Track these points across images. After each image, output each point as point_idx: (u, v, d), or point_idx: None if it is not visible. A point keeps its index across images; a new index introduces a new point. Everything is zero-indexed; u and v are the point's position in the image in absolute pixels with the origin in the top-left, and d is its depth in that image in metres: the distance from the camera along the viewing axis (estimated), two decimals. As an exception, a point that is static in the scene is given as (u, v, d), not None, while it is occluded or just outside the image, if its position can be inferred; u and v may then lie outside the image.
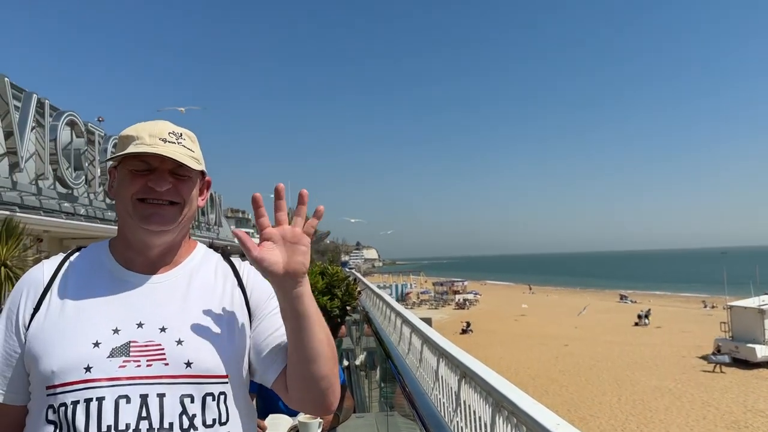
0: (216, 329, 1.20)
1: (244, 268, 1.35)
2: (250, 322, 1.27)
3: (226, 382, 1.18)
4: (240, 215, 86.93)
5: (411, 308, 57.70)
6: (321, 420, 2.78)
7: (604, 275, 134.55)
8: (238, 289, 1.30)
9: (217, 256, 1.37)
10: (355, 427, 3.22)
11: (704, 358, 27.68)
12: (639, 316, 42.11)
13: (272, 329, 1.26)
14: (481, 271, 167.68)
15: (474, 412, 3.55)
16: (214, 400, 1.15)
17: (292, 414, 2.83)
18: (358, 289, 4.85)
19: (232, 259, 1.38)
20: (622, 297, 66.48)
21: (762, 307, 26.62)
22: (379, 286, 23.48)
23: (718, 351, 25.86)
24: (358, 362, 7.33)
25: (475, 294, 66.50)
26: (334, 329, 4.21)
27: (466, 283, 75.47)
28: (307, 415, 2.78)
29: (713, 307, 51.39)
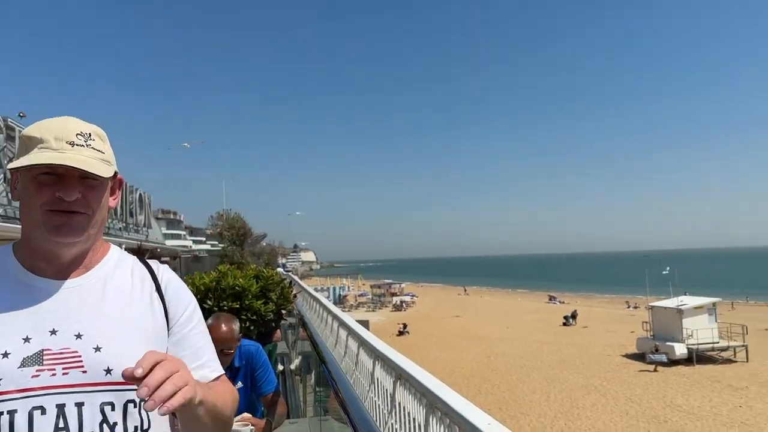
0: (135, 334, 1.16)
1: (163, 272, 1.29)
2: (168, 329, 1.23)
3: None
4: (171, 216, 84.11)
5: (349, 311, 57.64)
6: (252, 427, 2.72)
7: (535, 277, 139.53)
8: (156, 294, 1.25)
9: (133, 258, 1.31)
10: (288, 432, 3.17)
11: (628, 356, 29.14)
12: (566, 317, 43.82)
13: (188, 350, 1.23)
14: (418, 274, 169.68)
15: (408, 413, 3.57)
16: (135, 406, 1.11)
17: None
18: (294, 292, 4.80)
19: (149, 261, 1.32)
20: (551, 298, 69.04)
21: (680, 308, 28.25)
22: (316, 289, 23.36)
23: (656, 350, 26.99)
24: (293, 367, 7.26)
25: (412, 296, 67.16)
26: (269, 334, 4.15)
27: (403, 285, 76.14)
28: (238, 422, 2.72)
29: (636, 307, 54.20)
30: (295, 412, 6.38)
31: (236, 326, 3.10)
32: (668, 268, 57.29)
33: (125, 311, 1.18)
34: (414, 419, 3.48)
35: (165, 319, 1.23)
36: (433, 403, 3.06)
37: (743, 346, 27.14)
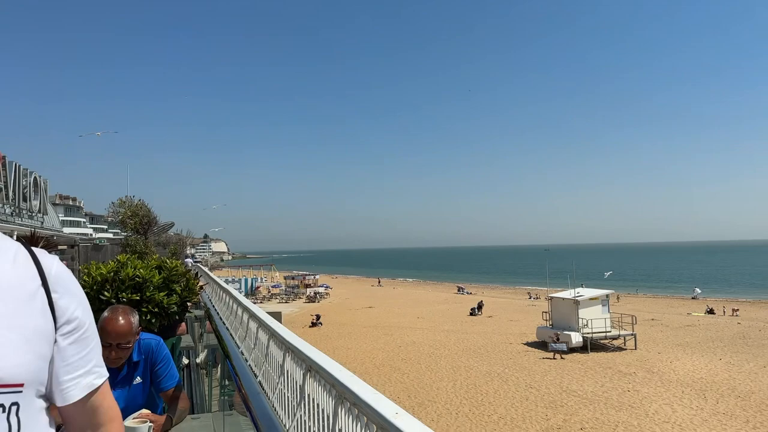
0: (9, 330, 1.03)
1: (53, 265, 1.16)
2: (55, 330, 1.11)
3: (20, 391, 1.02)
4: (70, 203, 78.75)
5: (261, 303, 56.67)
6: (151, 423, 2.60)
7: (445, 269, 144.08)
8: (42, 290, 1.11)
9: (17, 246, 1.15)
10: (190, 429, 3.05)
11: (528, 344, 30.68)
12: (473, 309, 45.48)
13: (75, 357, 1.14)
14: (333, 266, 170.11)
15: (318, 405, 3.55)
16: (3, 411, 1.00)
17: None
18: (200, 284, 4.62)
19: (36, 251, 1.17)
20: (460, 289, 71.47)
21: (577, 299, 30.06)
22: (227, 281, 22.72)
23: (557, 339, 28.42)
24: (199, 360, 7.02)
25: (326, 287, 67.09)
26: (172, 327, 3.97)
27: (317, 276, 75.85)
28: (135, 419, 2.58)
29: (537, 298, 57.19)
30: (199, 407, 6.19)
31: (135, 319, 2.95)
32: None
33: (1, 307, 1.04)
34: (323, 410, 3.46)
35: (52, 316, 1.11)
36: (342, 394, 3.06)
37: (632, 334, 29.34)
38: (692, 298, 58.68)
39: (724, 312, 43.88)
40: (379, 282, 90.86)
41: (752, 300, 56.15)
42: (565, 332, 29.00)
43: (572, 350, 28.20)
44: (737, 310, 44.15)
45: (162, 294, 3.81)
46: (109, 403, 1.24)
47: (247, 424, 4.60)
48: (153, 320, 3.78)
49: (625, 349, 28.71)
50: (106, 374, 1.23)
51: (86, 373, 1.16)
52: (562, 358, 26.94)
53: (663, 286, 78.42)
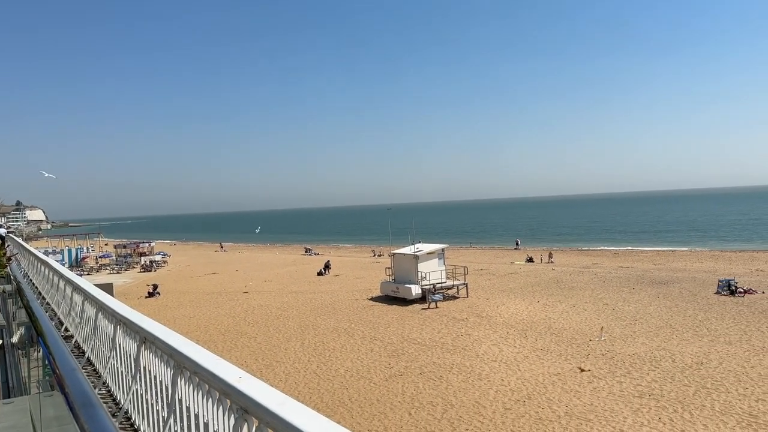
0: None
1: None
2: None
3: None
4: None
5: (89, 275, 52.06)
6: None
7: (292, 230, 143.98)
8: None
9: None
10: (1, 415, 2.72)
11: (373, 299, 31.98)
12: (320, 269, 46.18)
13: None
14: (170, 232, 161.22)
15: (155, 377, 3.37)
16: None
17: None
18: (8, 254, 4.06)
19: None
20: (307, 250, 72.00)
21: (416, 254, 31.80)
22: (47, 252, 20.40)
23: (434, 291, 29.87)
24: (14, 340, 6.26)
25: (164, 255, 63.49)
26: (-25, 305, 3.45)
27: (153, 244, 71.31)
28: None
29: (380, 255, 59.57)
30: (16, 391, 5.57)
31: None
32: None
33: None
34: (161, 382, 3.30)
35: None
36: (181, 364, 2.93)
37: (464, 284, 31.89)
38: (514, 248, 65.14)
39: (541, 260, 49.43)
40: (222, 247, 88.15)
41: (564, 248, 63.95)
42: (406, 285, 30.66)
43: (412, 302, 29.96)
44: (552, 256, 50.02)
45: (-41, 269, 3.29)
46: None
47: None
48: (-51, 300, 3.25)
49: (459, 298, 31.16)
50: None
51: None
52: (436, 306, 28.53)
53: (490, 238, 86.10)
